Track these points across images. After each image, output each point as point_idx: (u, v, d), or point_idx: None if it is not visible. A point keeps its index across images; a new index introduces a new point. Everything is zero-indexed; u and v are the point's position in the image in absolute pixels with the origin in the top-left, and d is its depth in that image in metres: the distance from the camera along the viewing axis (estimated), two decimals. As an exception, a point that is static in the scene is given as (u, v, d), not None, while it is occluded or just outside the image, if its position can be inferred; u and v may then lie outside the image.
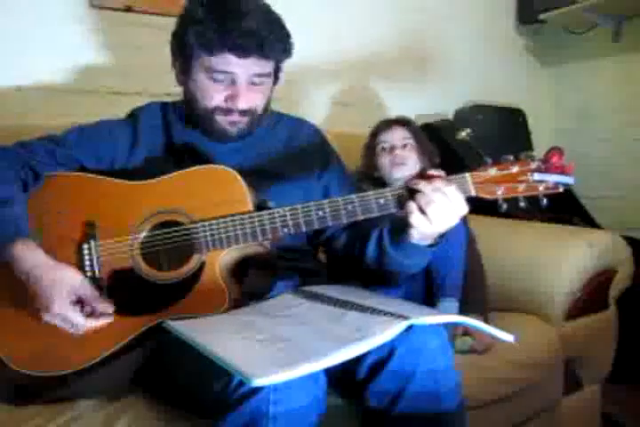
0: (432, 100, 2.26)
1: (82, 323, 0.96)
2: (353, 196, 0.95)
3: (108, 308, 0.98)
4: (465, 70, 2.35)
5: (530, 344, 1.37)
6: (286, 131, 1.24)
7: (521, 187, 0.91)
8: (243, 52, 1.03)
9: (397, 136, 1.51)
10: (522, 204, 0.93)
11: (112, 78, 1.63)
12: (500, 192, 0.92)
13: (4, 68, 1.53)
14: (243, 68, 1.05)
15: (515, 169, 0.91)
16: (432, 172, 0.93)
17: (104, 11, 1.63)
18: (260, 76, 1.08)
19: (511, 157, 0.92)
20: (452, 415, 0.92)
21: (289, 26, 1.10)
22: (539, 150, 2.43)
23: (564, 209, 2.17)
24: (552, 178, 0.90)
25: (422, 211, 0.90)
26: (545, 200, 0.92)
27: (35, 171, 1.09)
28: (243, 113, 1.09)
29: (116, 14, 1.66)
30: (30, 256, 0.97)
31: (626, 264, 1.58)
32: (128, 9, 1.67)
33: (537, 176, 0.90)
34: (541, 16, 2.35)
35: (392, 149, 1.50)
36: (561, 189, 0.91)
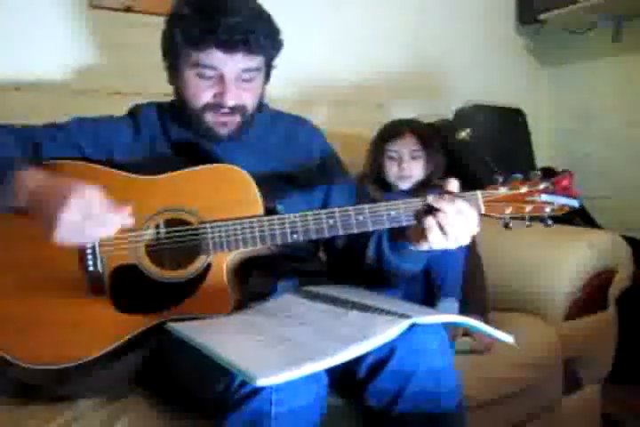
0: (432, 100, 2.26)
1: (107, 206, 0.88)
2: (365, 206, 0.96)
3: (124, 210, 0.92)
4: (465, 70, 2.35)
5: (530, 344, 1.37)
6: (285, 129, 1.23)
7: (528, 207, 0.93)
8: (229, 47, 1.02)
9: (407, 147, 1.48)
10: (527, 223, 0.95)
11: (112, 78, 1.62)
12: (507, 211, 0.94)
13: (4, 68, 1.53)
14: (230, 63, 1.04)
15: (524, 189, 0.93)
16: (449, 186, 0.93)
17: (104, 11, 1.62)
18: (248, 71, 1.06)
19: (520, 176, 0.94)
20: (452, 416, 0.92)
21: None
22: (539, 152, 2.42)
23: (563, 209, 2.17)
24: (559, 200, 0.93)
25: (442, 230, 0.91)
26: (550, 221, 0.94)
27: (36, 149, 1.07)
28: (232, 110, 1.08)
29: (116, 14, 1.66)
30: (32, 179, 0.92)
31: (626, 264, 1.58)
32: (128, 9, 1.66)
33: (545, 197, 0.93)
34: (541, 16, 2.34)
35: (400, 159, 1.49)
36: (566, 209, 0.94)
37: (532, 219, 0.94)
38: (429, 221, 0.91)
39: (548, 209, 0.93)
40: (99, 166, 1.06)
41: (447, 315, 0.92)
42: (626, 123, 2.37)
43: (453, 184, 0.93)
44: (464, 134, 1.95)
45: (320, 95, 2.06)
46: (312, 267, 1.21)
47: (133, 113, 1.20)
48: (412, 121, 1.58)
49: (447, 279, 1.36)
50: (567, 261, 1.49)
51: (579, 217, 2.17)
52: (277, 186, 1.12)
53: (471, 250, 1.47)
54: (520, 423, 1.41)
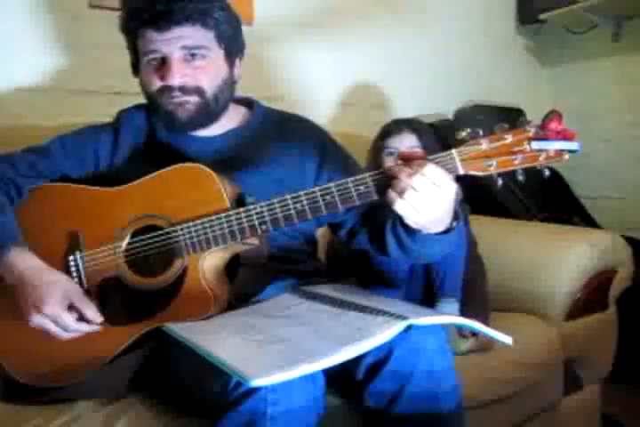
0: (432, 100, 2.26)
1: (73, 326, 0.95)
2: (330, 184, 0.89)
3: (98, 317, 0.97)
4: (465, 70, 2.35)
5: (530, 344, 1.38)
6: (278, 126, 1.20)
7: (518, 159, 0.82)
8: (158, 24, 1.03)
9: (405, 144, 1.48)
10: (520, 177, 0.84)
11: (112, 78, 1.62)
12: (492, 167, 0.83)
13: (4, 69, 1.53)
14: (167, 42, 1.04)
15: (509, 139, 0.82)
16: (412, 152, 0.87)
17: (104, 11, 1.62)
18: (192, 48, 1.06)
19: (506, 126, 0.84)
20: (452, 416, 0.92)
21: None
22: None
23: (563, 209, 2.18)
24: (554, 145, 0.81)
25: (402, 198, 0.83)
26: (547, 171, 0.84)
27: (17, 186, 1.08)
28: (182, 90, 1.06)
29: (116, 14, 1.64)
30: (23, 259, 0.98)
31: (626, 264, 1.58)
32: (128, 9, 1.66)
33: (535, 145, 0.81)
34: (541, 16, 2.34)
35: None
36: (567, 157, 0.82)
37: (526, 171, 0.84)
38: (389, 194, 0.84)
39: (541, 158, 0.81)
40: (76, 185, 1.08)
41: (444, 316, 0.91)
42: (626, 123, 2.37)
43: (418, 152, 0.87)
44: (464, 134, 1.95)
45: (321, 95, 2.06)
46: (307, 268, 1.19)
47: (117, 119, 1.20)
48: (411, 120, 1.59)
49: (447, 279, 1.36)
50: (567, 261, 1.49)
51: (579, 217, 2.17)
52: (266, 189, 1.07)
53: (472, 251, 1.47)
54: (520, 423, 1.41)
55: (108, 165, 1.15)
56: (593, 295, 1.52)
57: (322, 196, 0.90)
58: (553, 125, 0.81)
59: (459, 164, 0.85)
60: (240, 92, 1.21)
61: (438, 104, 2.25)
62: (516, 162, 0.82)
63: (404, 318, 0.84)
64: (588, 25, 2.37)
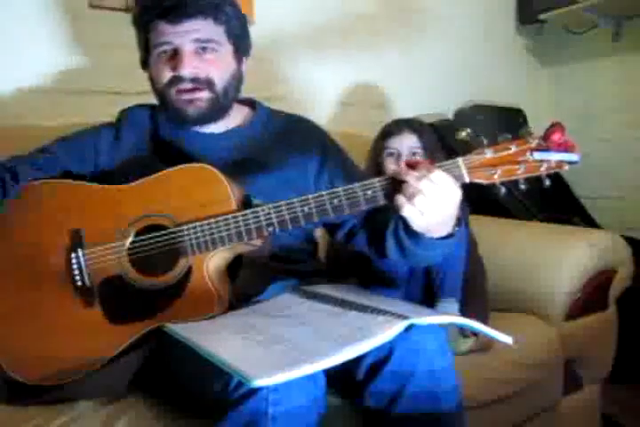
0: (432, 100, 2.26)
1: None
2: (339, 188, 0.91)
3: None
4: (465, 70, 2.35)
5: (530, 344, 1.38)
6: (281, 126, 1.20)
7: (521, 168, 0.85)
8: (171, 16, 1.04)
9: (406, 144, 1.48)
10: (522, 186, 0.86)
11: (112, 78, 1.62)
12: (497, 176, 0.85)
13: (4, 69, 1.53)
14: (179, 34, 1.05)
15: (513, 149, 0.84)
16: (417, 158, 0.90)
17: (104, 11, 1.62)
18: (204, 41, 1.07)
19: (509, 136, 0.86)
20: (452, 416, 0.92)
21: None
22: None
23: (563, 209, 2.18)
24: (555, 156, 0.84)
25: (411, 202, 0.85)
26: (548, 181, 0.86)
27: (14, 172, 1.07)
28: (194, 83, 1.07)
29: (116, 14, 1.65)
30: None
31: (626, 264, 1.58)
32: (128, 9, 1.66)
33: (537, 155, 0.84)
34: (541, 16, 2.35)
35: (399, 156, 1.48)
36: (566, 168, 0.85)
37: (528, 180, 0.86)
38: (397, 198, 0.86)
39: (543, 168, 0.84)
40: (78, 182, 1.07)
41: (445, 315, 0.92)
42: (626, 123, 2.37)
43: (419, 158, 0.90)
44: (464, 134, 1.95)
45: (322, 95, 2.06)
46: (308, 268, 1.19)
47: (119, 118, 1.20)
48: (411, 120, 1.58)
49: (447, 280, 1.36)
50: (567, 261, 1.49)
51: (579, 217, 2.17)
52: (267, 183, 1.09)
53: (472, 251, 1.47)
54: (520, 423, 1.41)
55: (109, 160, 1.15)
56: (593, 295, 1.52)
57: (329, 200, 0.91)
58: (555, 137, 0.84)
59: (465, 172, 0.87)
60: (240, 92, 1.21)
61: (438, 104, 2.25)
62: (520, 171, 0.85)
63: (405, 317, 0.84)
64: (588, 25, 2.37)
